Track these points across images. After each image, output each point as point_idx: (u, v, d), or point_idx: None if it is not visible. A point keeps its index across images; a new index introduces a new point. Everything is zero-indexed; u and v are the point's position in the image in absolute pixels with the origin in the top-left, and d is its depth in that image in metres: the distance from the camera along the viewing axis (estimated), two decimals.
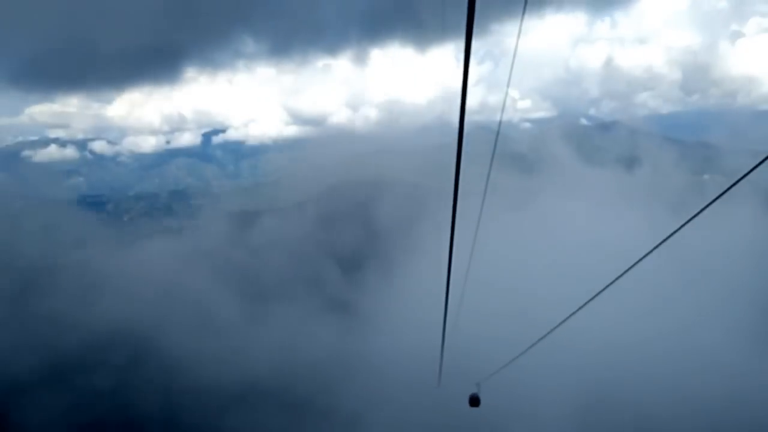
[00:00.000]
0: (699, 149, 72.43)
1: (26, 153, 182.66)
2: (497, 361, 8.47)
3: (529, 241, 36.73)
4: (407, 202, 43.97)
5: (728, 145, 73.35)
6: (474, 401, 7.99)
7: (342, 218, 46.94)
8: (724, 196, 3.68)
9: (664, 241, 4.31)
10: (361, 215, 48.16)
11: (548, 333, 6.19)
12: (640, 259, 4.65)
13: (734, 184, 3.58)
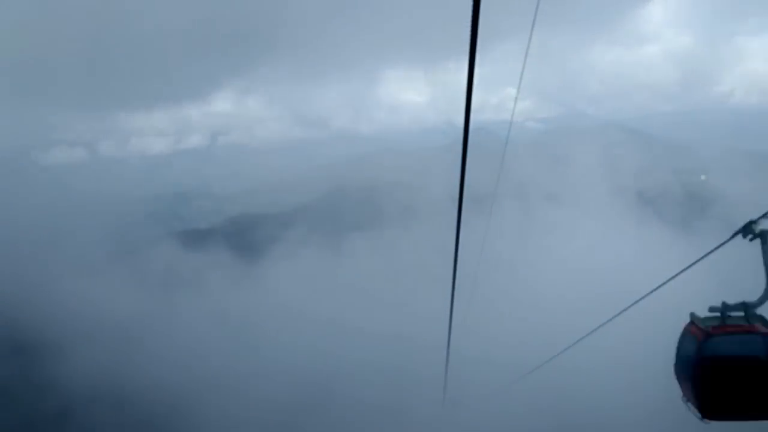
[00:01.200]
0: (697, 149, 72.68)
1: (33, 154, 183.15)
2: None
3: (535, 251, 37.34)
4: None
5: (726, 145, 73.63)
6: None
7: None
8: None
9: (683, 271, 4.41)
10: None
11: (563, 351, 6.44)
12: (660, 286, 4.75)
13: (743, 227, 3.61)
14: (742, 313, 3.63)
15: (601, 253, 34.70)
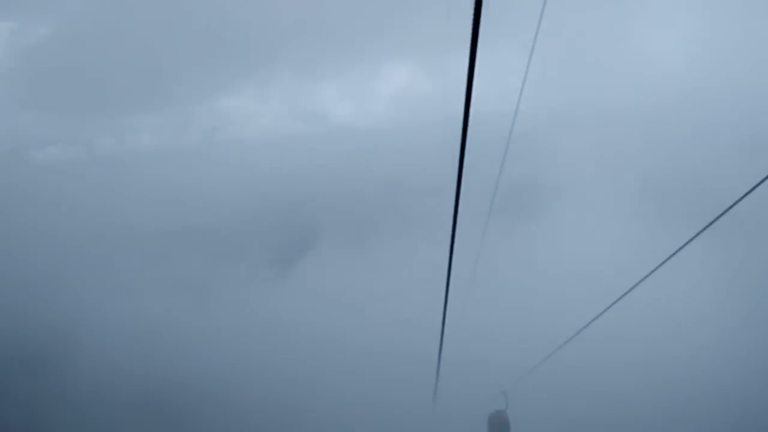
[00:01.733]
0: (706, 141, 71.60)
1: (30, 152, 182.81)
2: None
3: (536, 250, 36.90)
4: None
5: (735, 137, 72.52)
6: None
7: None
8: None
9: (672, 256, 4.43)
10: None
11: (559, 347, 6.53)
12: (650, 273, 4.78)
13: (731, 207, 3.77)
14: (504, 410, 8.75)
15: (604, 248, 34.28)
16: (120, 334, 33.41)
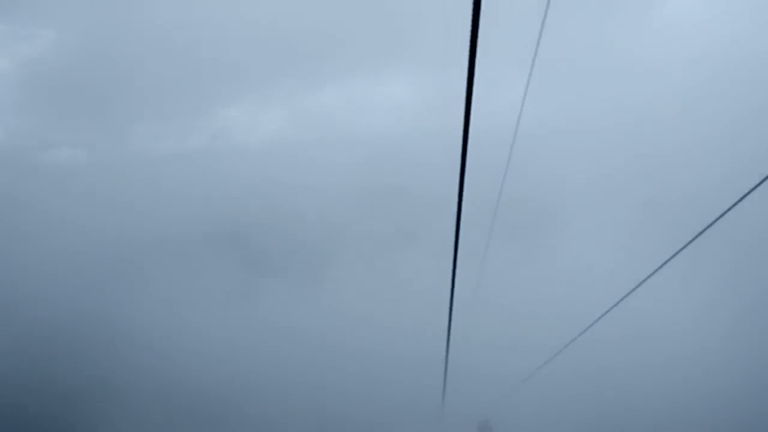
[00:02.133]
0: (705, 152, 70.95)
1: (32, 154, 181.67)
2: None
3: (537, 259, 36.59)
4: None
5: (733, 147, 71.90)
6: None
7: None
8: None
9: (662, 266, 4.47)
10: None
11: (546, 362, 6.59)
12: (649, 276, 4.79)
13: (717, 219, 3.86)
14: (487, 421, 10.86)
15: (604, 260, 34.16)
16: (149, 340, 32.92)
